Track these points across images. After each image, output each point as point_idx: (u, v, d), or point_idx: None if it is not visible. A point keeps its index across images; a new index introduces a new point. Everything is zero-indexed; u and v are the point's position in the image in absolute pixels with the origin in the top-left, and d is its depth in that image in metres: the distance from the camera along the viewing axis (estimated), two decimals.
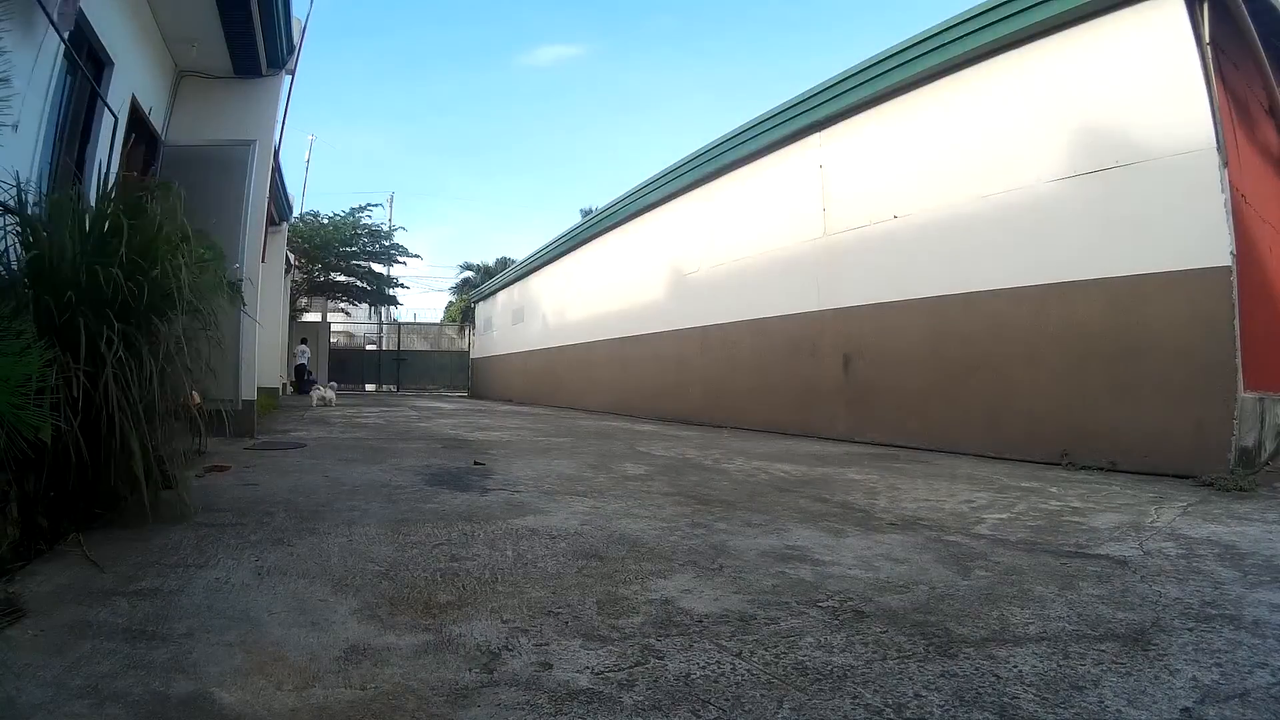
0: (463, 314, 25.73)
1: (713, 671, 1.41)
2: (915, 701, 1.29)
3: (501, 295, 18.38)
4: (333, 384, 13.24)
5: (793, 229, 7.19)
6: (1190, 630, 1.64)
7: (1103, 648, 1.53)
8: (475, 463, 4.49)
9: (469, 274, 27.75)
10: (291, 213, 13.75)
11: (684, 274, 9.17)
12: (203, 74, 5.90)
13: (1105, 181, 4.53)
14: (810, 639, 1.59)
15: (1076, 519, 2.91)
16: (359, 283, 19.87)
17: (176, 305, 2.55)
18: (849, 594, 1.92)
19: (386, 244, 19.96)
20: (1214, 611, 1.77)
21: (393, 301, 21.39)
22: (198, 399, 2.79)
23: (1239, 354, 3.89)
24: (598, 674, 1.40)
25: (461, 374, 22.27)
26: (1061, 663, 1.45)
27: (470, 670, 1.40)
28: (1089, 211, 4.62)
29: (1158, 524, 2.79)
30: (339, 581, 1.95)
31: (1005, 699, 1.29)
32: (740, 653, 1.51)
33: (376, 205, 20.96)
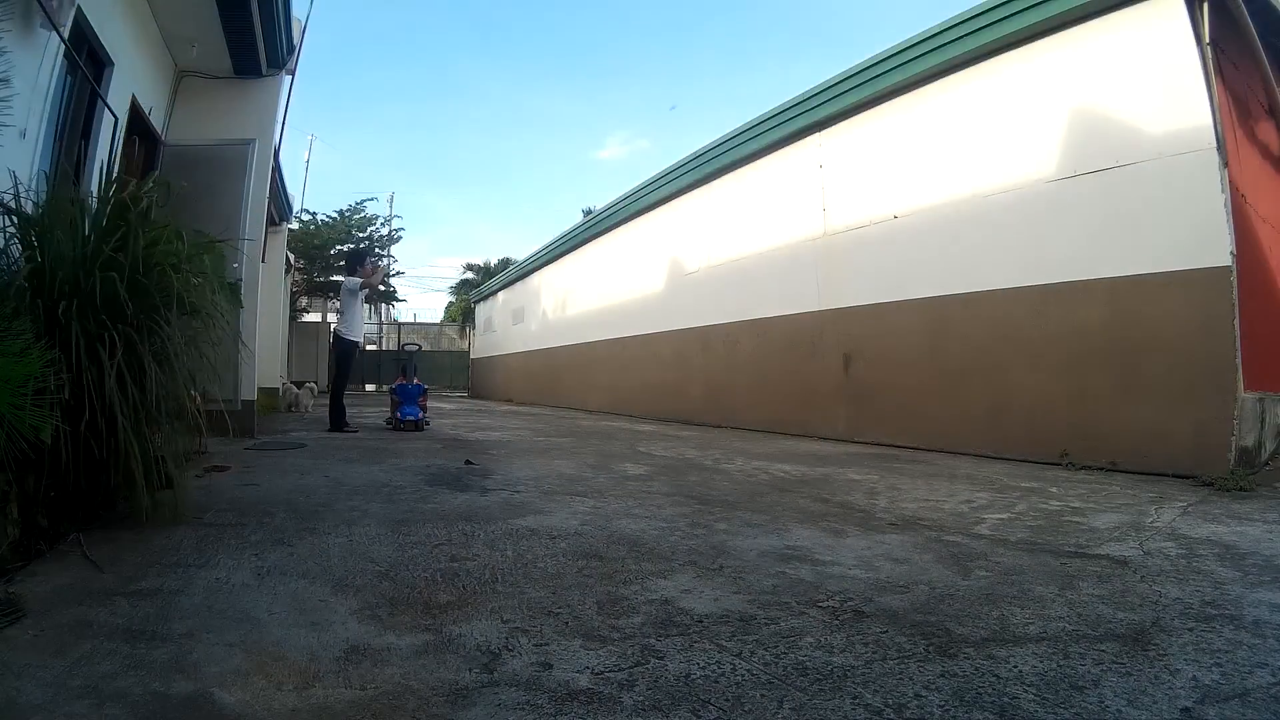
0: (463, 314, 25.71)
1: (713, 671, 1.41)
2: (915, 702, 1.29)
3: (502, 295, 18.38)
4: (310, 384, 10.03)
5: (793, 229, 7.19)
6: (1190, 630, 1.64)
7: (1103, 648, 1.53)
8: (467, 461, 4.49)
9: (469, 274, 27.73)
10: (291, 213, 13.72)
11: (684, 274, 9.17)
12: (203, 74, 5.89)
13: (1105, 181, 4.53)
14: (810, 639, 1.59)
15: (1077, 519, 2.90)
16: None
17: (175, 306, 2.56)
18: (849, 594, 1.92)
19: (382, 234, 19.91)
20: (1214, 611, 1.77)
21: (392, 298, 21.35)
22: (199, 399, 2.79)
23: (1239, 354, 3.88)
24: (598, 674, 1.40)
25: (461, 374, 22.25)
26: (1061, 663, 1.45)
27: (470, 670, 1.40)
28: (1089, 211, 4.62)
29: (1158, 524, 2.79)
30: (339, 581, 1.95)
31: (1005, 699, 1.29)
32: (740, 653, 1.51)
33: (371, 199, 20.86)
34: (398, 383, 7.22)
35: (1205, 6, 4.18)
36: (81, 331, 2.24)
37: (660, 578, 2.05)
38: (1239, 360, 3.88)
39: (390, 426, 6.98)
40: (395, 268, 21.09)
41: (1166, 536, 2.58)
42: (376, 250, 19.56)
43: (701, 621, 1.69)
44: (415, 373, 7.36)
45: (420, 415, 6.96)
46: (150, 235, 2.57)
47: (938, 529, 2.73)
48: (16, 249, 2.43)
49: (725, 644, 1.55)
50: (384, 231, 19.92)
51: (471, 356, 21.63)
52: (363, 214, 19.56)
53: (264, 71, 6.01)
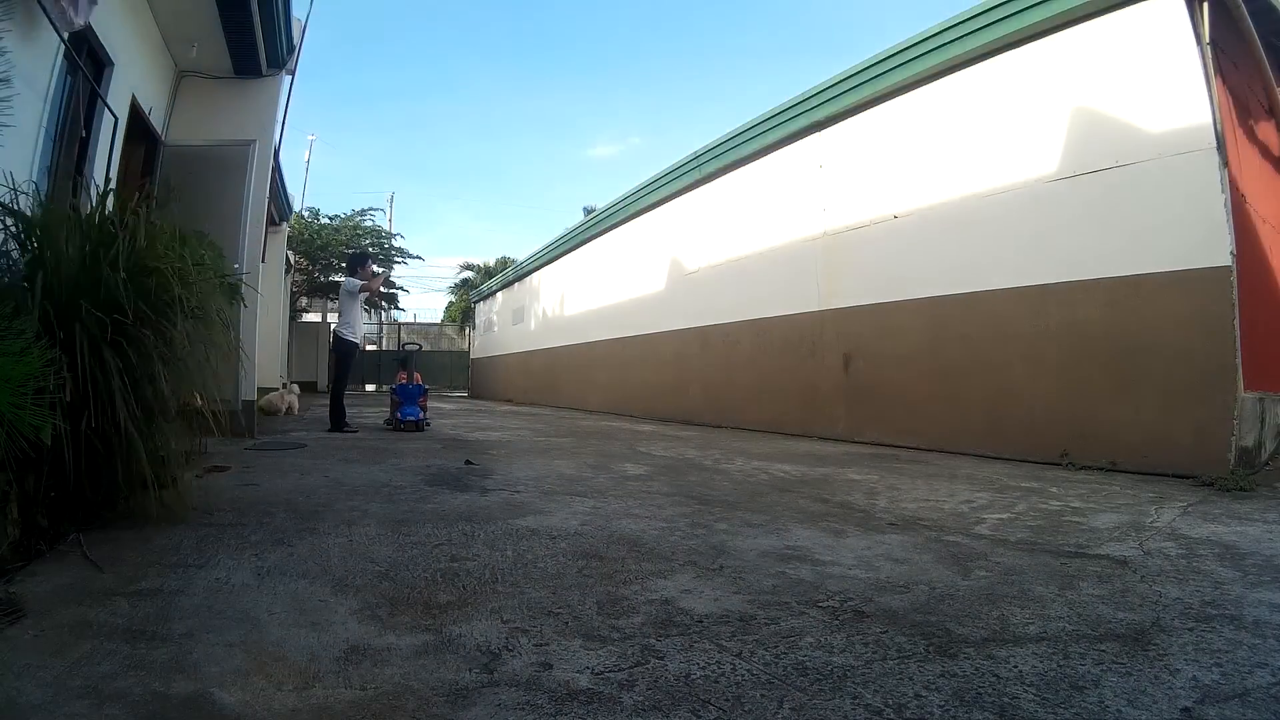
0: (463, 314, 25.72)
1: (713, 671, 1.41)
2: (915, 701, 1.29)
3: (501, 295, 18.39)
4: (294, 387, 9.55)
5: (793, 229, 7.19)
6: (1190, 630, 1.64)
7: (1103, 648, 1.53)
8: (467, 461, 4.49)
9: (469, 274, 27.74)
10: (291, 212, 13.74)
11: (684, 274, 9.17)
12: (203, 74, 5.89)
13: (1105, 181, 4.53)
14: (810, 639, 1.59)
15: (1077, 519, 2.90)
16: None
17: (177, 306, 2.56)
18: (849, 594, 1.92)
19: (388, 245, 20.00)
20: (1214, 611, 1.77)
21: (393, 302, 21.40)
22: (199, 400, 2.79)
23: (1239, 354, 3.88)
24: (598, 674, 1.40)
25: (462, 374, 22.26)
26: (1061, 663, 1.45)
27: (470, 670, 1.40)
28: (1089, 211, 4.62)
29: (1158, 524, 2.79)
30: (339, 582, 1.95)
31: (1005, 699, 1.29)
32: (740, 653, 1.51)
33: (378, 210, 21.01)
34: (398, 382, 7.19)
35: (1205, 6, 4.18)
36: (84, 331, 2.24)
37: (660, 578, 2.05)
38: (1239, 360, 3.88)
39: (390, 427, 6.95)
40: (400, 283, 21.30)
41: (1166, 536, 2.58)
42: (379, 259, 19.68)
43: (701, 621, 1.69)
44: (414, 371, 7.43)
45: (420, 415, 6.91)
46: (151, 235, 2.57)
47: (938, 529, 2.73)
48: (16, 249, 2.43)
49: (725, 644, 1.55)
50: (388, 244, 19.98)
51: (471, 356, 21.64)
52: (372, 224, 19.65)
53: (264, 71, 6.00)
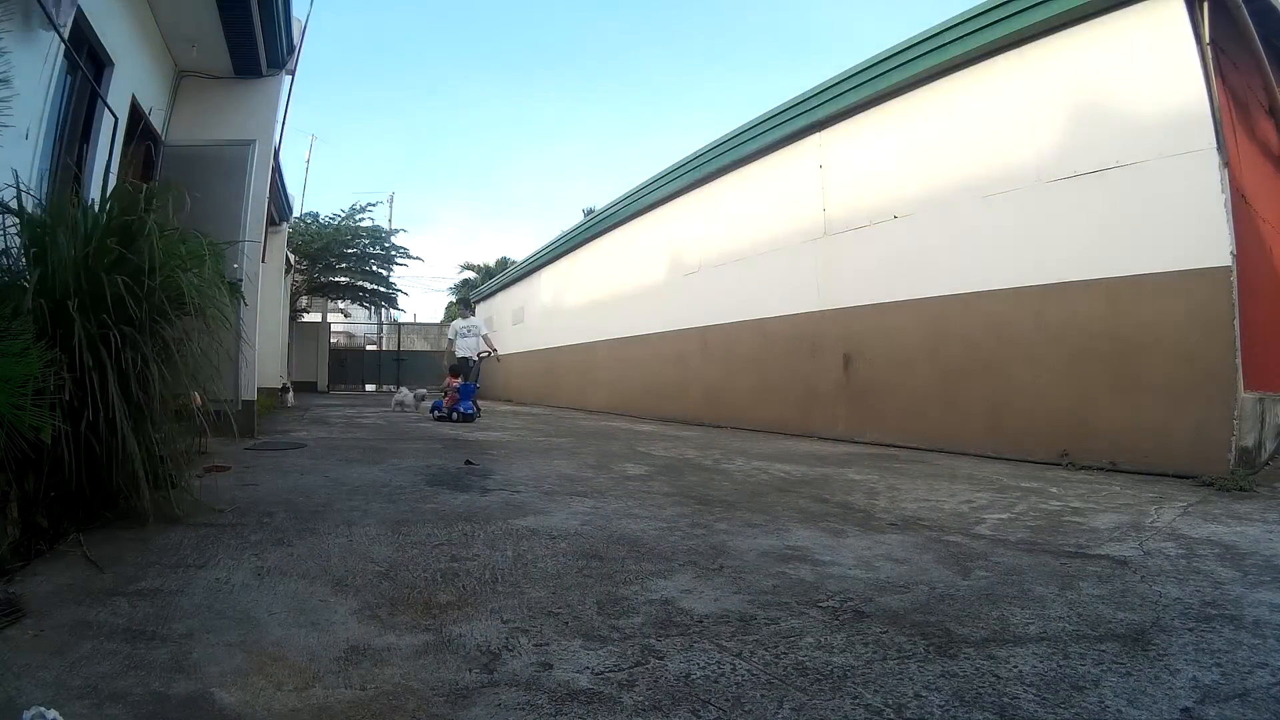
0: None
1: (713, 672, 1.41)
2: (915, 702, 1.29)
3: (501, 295, 18.38)
4: (419, 390, 10.61)
5: (793, 229, 7.19)
6: (1190, 630, 1.64)
7: (1103, 648, 1.53)
8: (467, 461, 4.50)
9: (469, 274, 27.76)
10: (291, 213, 13.72)
11: (684, 274, 9.17)
12: (203, 74, 5.89)
13: (1105, 181, 4.53)
14: (810, 639, 1.59)
15: (1077, 519, 2.90)
16: (360, 282, 19.84)
17: (176, 307, 2.56)
18: (849, 594, 1.92)
19: (387, 245, 20.00)
20: (1214, 611, 1.77)
21: (393, 303, 21.40)
22: (199, 400, 2.79)
23: (1239, 354, 3.88)
24: (598, 674, 1.40)
25: None
26: (1061, 663, 1.45)
27: (470, 670, 1.40)
28: (1089, 211, 4.62)
29: (1158, 524, 2.79)
30: (339, 582, 1.95)
31: (1005, 699, 1.29)
32: (740, 653, 1.51)
33: (376, 204, 20.98)
34: (459, 382, 8.76)
35: (1205, 6, 4.18)
36: (84, 332, 2.24)
37: (660, 578, 2.05)
38: (1239, 360, 3.88)
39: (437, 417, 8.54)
40: (400, 284, 21.48)
41: (1166, 536, 2.58)
42: (378, 258, 19.79)
43: (701, 621, 1.69)
44: (476, 376, 8.87)
45: (474, 410, 8.46)
46: (151, 235, 2.57)
47: (938, 529, 2.73)
48: (17, 249, 2.43)
49: (725, 644, 1.55)
50: (388, 243, 20.00)
51: None
52: (371, 222, 19.66)
53: (264, 72, 6.00)
